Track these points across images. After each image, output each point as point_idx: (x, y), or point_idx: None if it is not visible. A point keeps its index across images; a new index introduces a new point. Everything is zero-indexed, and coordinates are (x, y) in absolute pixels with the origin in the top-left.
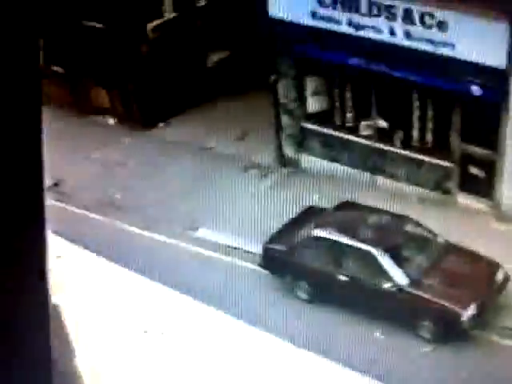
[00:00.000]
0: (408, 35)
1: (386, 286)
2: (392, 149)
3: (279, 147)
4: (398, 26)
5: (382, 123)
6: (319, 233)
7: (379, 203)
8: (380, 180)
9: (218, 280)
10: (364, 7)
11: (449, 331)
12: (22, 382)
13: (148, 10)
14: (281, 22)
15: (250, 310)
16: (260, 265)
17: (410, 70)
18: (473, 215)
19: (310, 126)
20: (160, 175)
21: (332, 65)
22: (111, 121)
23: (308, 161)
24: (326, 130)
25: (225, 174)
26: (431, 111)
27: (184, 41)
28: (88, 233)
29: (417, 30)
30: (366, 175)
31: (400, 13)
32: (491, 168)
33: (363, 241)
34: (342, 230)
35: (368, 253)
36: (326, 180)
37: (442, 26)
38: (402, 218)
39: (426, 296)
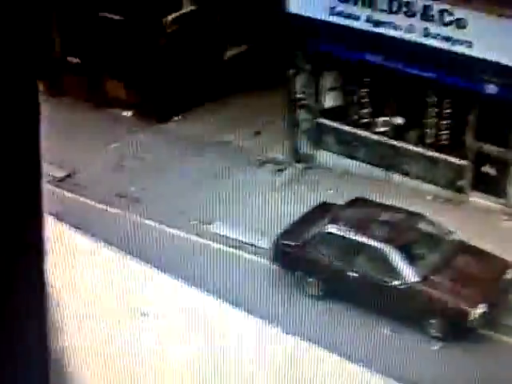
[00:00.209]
0: (426, 32)
1: (397, 283)
2: (407, 146)
3: (295, 142)
4: (417, 23)
5: (398, 120)
6: (331, 229)
7: (393, 200)
8: (394, 177)
9: (231, 274)
10: (384, 4)
11: (458, 329)
12: (19, 376)
13: (166, 2)
14: (299, 17)
15: (261, 305)
16: (271, 260)
17: (427, 67)
18: (485, 213)
19: (325, 121)
20: (175, 169)
21: (349, 61)
22: (127, 113)
23: (323, 156)
24: (341, 126)
25: (240, 169)
26: (447, 109)
27: (202, 34)
28: (102, 225)
29: (435, 27)
30: (381, 172)
31: (419, 10)
32: (505, 167)
33: (375, 238)
34: (354, 227)
35: (379, 250)
36: (340, 176)
37: (460, 23)
38: (414, 216)
39: (436, 294)
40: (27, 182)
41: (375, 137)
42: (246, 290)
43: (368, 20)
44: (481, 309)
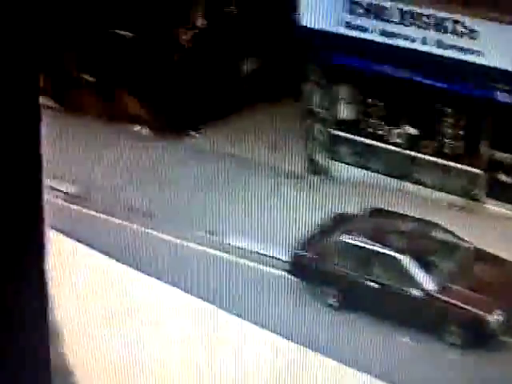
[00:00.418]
0: (440, 44)
1: (414, 292)
2: (422, 156)
3: (310, 155)
4: (430, 35)
5: (412, 130)
6: (348, 239)
7: (408, 209)
8: (409, 186)
9: (246, 286)
10: (397, 16)
11: (477, 337)
12: (20, 376)
13: (179, 18)
14: (312, 31)
15: (278, 317)
16: (289, 271)
17: (440, 78)
18: (500, 221)
19: (340, 133)
20: (189, 182)
21: (363, 73)
22: (143, 129)
23: (338, 168)
24: (356, 138)
25: (255, 182)
26: (460, 118)
27: (216, 49)
28: (113, 238)
29: (448, 38)
30: (396, 182)
31: (432, 22)
32: None
33: (391, 247)
34: (371, 237)
35: (396, 259)
36: (356, 187)
37: (472, 34)
38: (430, 224)
39: (454, 302)
40: (29, 183)
41: (390, 147)
42: (261, 301)
43: (381, 33)
44: (499, 315)
